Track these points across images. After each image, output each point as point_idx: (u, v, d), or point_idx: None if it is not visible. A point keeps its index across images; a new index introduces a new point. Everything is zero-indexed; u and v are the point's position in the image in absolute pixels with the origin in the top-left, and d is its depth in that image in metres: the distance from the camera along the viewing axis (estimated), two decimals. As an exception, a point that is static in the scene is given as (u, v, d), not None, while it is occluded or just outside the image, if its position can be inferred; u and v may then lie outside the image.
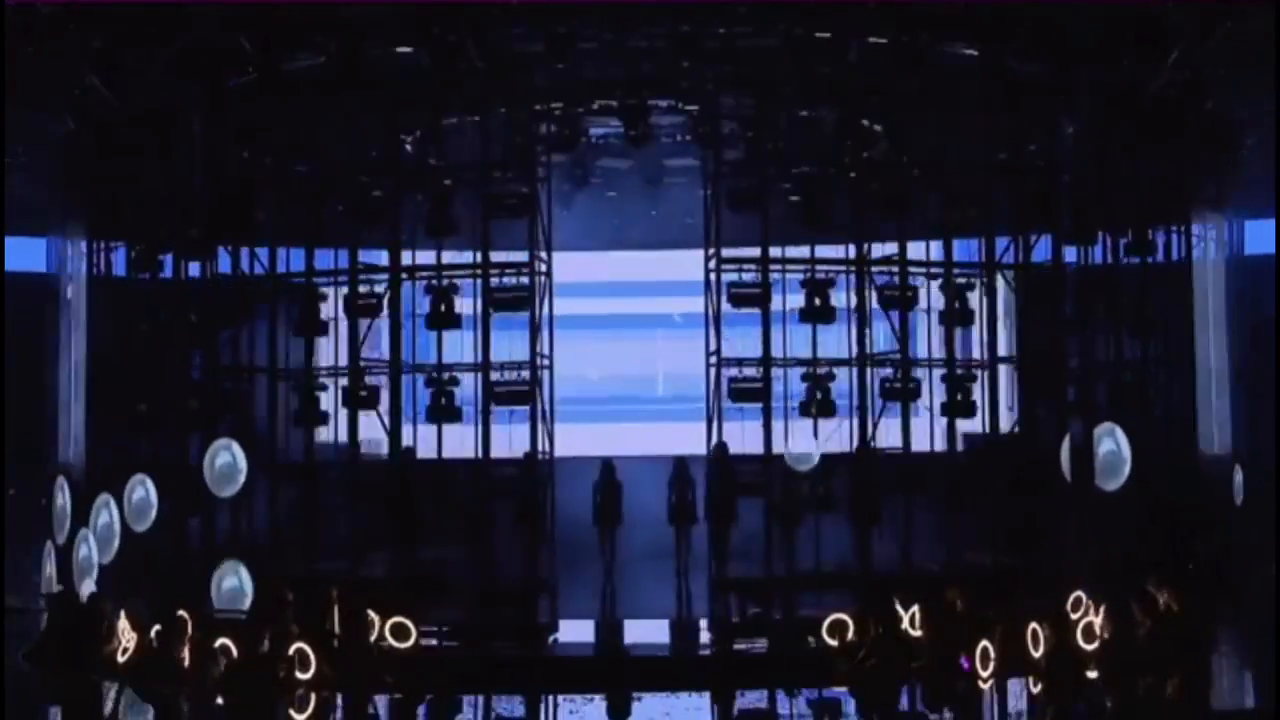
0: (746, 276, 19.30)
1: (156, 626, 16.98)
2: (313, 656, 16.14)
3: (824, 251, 20.03)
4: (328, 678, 16.14)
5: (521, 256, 19.62)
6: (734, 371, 19.38)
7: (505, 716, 16.52)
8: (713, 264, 19.67)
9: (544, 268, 19.73)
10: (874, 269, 19.67)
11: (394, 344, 19.61)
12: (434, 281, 19.81)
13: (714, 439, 19.43)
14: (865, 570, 19.00)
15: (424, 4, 18.79)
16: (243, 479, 18.57)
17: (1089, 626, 17.01)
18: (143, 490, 18.99)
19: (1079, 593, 17.58)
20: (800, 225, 19.71)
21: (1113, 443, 19.04)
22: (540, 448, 19.48)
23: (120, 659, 17.15)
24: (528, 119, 19.93)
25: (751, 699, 16.74)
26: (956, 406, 19.65)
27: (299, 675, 16.09)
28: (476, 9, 18.78)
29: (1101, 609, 17.17)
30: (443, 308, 19.59)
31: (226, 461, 18.61)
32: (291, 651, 16.18)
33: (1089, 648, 16.85)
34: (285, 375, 20.32)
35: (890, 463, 19.53)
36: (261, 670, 16.20)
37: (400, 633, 17.06)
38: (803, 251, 19.90)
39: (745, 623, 18.78)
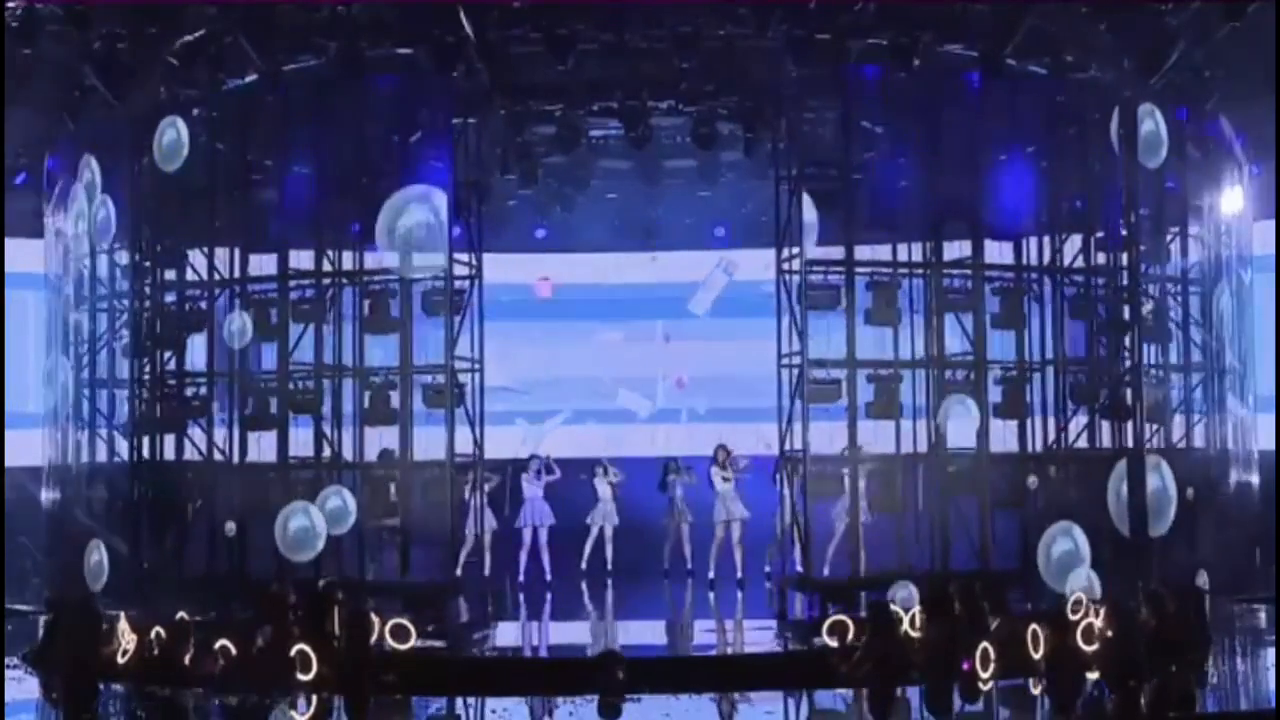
0: (813, 278, 19.03)
1: (157, 628, 16.95)
2: (313, 657, 16.11)
3: (881, 253, 19.85)
4: (328, 679, 16.11)
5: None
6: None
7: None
8: (792, 264, 19.35)
9: (468, 270, 19.69)
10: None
11: (318, 348, 19.59)
12: (368, 285, 19.59)
13: (791, 441, 19.29)
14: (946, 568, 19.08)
15: (424, 4, 18.82)
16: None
17: (1089, 627, 16.99)
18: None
19: (1079, 593, 17.59)
20: (865, 226, 19.57)
21: (1159, 479, 19.25)
22: (466, 451, 19.50)
23: (120, 660, 17.11)
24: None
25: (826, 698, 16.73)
26: (1011, 408, 19.67)
27: (299, 676, 16.07)
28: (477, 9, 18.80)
29: (1102, 610, 17.17)
30: (372, 312, 19.42)
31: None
32: (293, 653, 16.16)
33: (1089, 648, 16.82)
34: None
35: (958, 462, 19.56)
36: (261, 670, 16.19)
37: (400, 634, 17.05)
38: (866, 252, 19.69)
39: (816, 622, 18.54)
